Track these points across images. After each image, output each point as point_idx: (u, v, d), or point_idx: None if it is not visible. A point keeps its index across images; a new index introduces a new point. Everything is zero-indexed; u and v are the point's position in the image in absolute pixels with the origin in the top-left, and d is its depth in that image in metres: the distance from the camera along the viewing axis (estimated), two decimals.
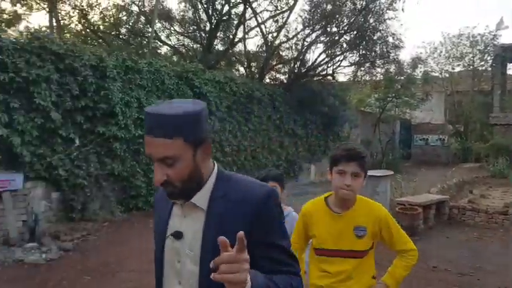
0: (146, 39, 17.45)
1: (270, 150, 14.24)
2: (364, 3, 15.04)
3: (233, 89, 12.48)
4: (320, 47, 16.52)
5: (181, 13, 17.45)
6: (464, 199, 10.33)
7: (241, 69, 18.42)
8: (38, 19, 43.87)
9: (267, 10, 16.72)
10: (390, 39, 15.97)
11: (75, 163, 8.00)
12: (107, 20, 17.41)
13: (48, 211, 7.79)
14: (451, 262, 6.37)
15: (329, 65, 16.84)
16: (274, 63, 17.09)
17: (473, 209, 9.09)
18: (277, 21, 16.46)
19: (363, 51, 16.07)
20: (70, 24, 16.89)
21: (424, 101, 21.87)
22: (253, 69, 17.18)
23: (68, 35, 15.98)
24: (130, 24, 17.51)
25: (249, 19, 16.44)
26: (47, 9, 14.86)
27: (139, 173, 9.25)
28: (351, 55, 16.63)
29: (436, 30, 58.22)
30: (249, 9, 15.66)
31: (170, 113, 1.27)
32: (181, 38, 18.41)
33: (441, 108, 27.23)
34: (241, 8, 16.03)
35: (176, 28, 17.84)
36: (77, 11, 16.28)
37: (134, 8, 17.21)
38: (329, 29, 15.62)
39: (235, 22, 16.66)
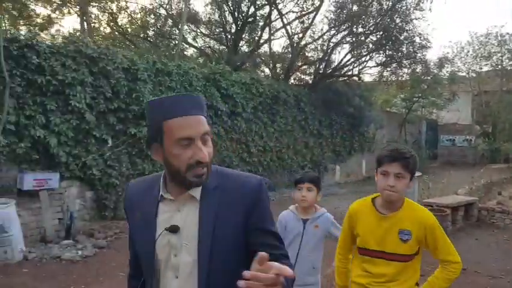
0: (173, 42, 17.74)
1: (295, 150, 14.29)
2: (390, 3, 14.92)
3: (259, 90, 12.57)
4: (346, 47, 16.49)
5: (208, 15, 17.66)
6: (493, 201, 10.20)
7: (266, 70, 18.49)
8: (69, 22, 44.87)
9: (292, 11, 16.74)
10: (417, 39, 15.81)
11: (108, 163, 8.23)
12: (134, 22, 17.75)
13: (82, 210, 8.03)
14: (481, 264, 6.31)
15: (355, 65, 16.79)
16: (300, 64, 17.10)
17: (502, 211, 8.99)
18: (303, 22, 16.47)
19: (390, 52, 15.96)
20: (99, 27, 17.31)
21: (451, 101, 21.57)
22: (278, 70, 17.23)
23: (97, 37, 16.35)
24: (158, 26, 17.79)
25: (275, 20, 16.48)
26: (78, 13, 15.26)
27: None
28: (377, 55, 16.53)
29: (463, 30, 57.15)
30: (275, 10, 15.71)
31: (194, 95, 1.46)
32: (207, 39, 18.59)
33: (469, 108, 26.76)
34: (266, 9, 16.08)
35: (203, 30, 18.02)
36: (107, 14, 16.67)
37: (162, 11, 17.50)
38: (354, 30, 15.58)
39: (261, 23, 16.72)
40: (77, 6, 14.28)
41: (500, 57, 25.11)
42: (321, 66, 16.50)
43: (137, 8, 21.21)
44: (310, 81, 16.86)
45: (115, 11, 16.77)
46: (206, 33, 18.15)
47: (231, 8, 16.11)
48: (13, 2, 13.40)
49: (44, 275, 5.67)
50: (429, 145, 24.70)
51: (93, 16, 16.69)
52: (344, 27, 15.49)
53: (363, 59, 16.52)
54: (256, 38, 16.96)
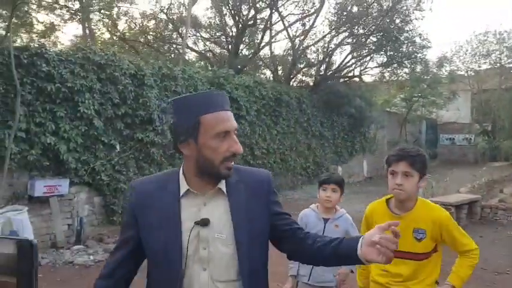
0: (173, 46, 17.81)
1: (298, 152, 14.39)
2: (390, 4, 15.05)
3: (262, 93, 12.67)
4: (347, 48, 16.61)
5: (208, 19, 17.75)
6: (495, 198, 10.31)
7: (268, 73, 18.58)
8: (70, 29, 44.96)
9: (293, 14, 16.82)
10: (418, 39, 15.98)
11: (116, 168, 8.29)
12: (133, 27, 17.80)
13: (91, 215, 8.09)
14: (487, 261, 6.38)
15: (356, 66, 16.92)
16: (301, 66, 17.19)
17: (505, 209, 9.10)
18: (304, 24, 16.55)
19: (391, 52, 16.08)
20: (100, 33, 17.39)
21: (451, 100, 21.65)
22: (279, 73, 17.34)
23: (98, 43, 16.42)
24: (158, 31, 17.86)
25: (275, 23, 16.58)
26: (80, 20, 15.35)
27: None
28: (378, 56, 16.67)
29: (462, 28, 57.24)
30: (276, 13, 15.80)
31: (222, 92, 1.58)
32: (207, 43, 18.68)
33: (468, 107, 26.87)
34: (267, 12, 16.18)
35: (203, 34, 18.11)
36: (107, 19, 16.72)
37: (162, 16, 17.58)
38: (355, 31, 15.69)
39: (262, 26, 16.79)
40: (79, 14, 14.35)
41: (499, 55, 25.18)
42: (322, 68, 16.62)
43: (137, 12, 21.20)
44: (311, 83, 16.96)
45: (115, 16, 16.82)
46: (206, 37, 18.24)
47: (232, 11, 16.20)
48: (15, 10, 13.46)
49: (58, 279, 5.77)
50: (429, 144, 24.81)
51: (94, 21, 16.81)
52: (345, 28, 15.61)
53: (364, 59, 16.63)
54: (257, 41, 17.03)
